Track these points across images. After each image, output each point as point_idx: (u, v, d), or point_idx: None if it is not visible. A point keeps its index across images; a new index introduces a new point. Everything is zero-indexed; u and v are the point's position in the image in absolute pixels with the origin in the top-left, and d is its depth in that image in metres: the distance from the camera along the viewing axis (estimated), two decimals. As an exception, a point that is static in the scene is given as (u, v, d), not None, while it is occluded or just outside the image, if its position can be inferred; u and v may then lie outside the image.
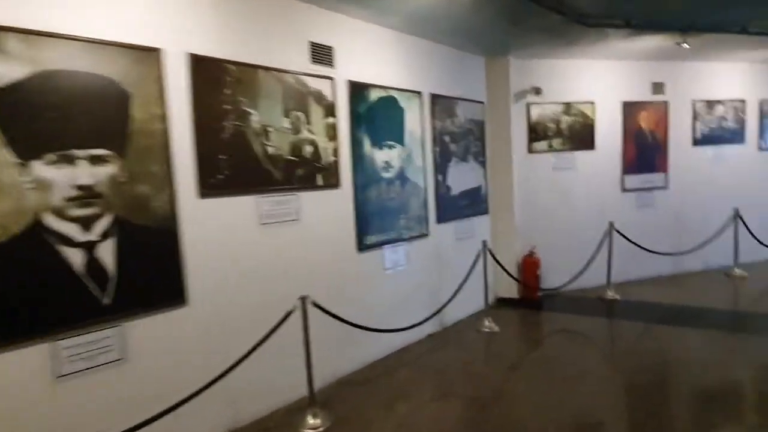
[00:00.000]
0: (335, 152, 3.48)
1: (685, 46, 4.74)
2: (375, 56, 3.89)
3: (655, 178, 5.94)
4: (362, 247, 3.73)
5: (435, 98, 4.46)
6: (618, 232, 5.38)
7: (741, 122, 6.32)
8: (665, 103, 5.92)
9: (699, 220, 6.18)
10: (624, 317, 4.80)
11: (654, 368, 3.53)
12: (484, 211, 5.22)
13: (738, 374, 3.41)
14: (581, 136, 5.59)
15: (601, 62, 5.65)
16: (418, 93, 4.27)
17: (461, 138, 4.83)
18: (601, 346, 4.28)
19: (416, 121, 4.25)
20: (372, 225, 3.80)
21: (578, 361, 3.79)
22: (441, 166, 4.57)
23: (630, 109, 5.77)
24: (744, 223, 5.97)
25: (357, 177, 3.66)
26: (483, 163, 5.14)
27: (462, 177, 4.84)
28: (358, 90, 3.65)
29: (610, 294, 5.30)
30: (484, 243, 4.57)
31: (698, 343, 3.98)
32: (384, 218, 3.92)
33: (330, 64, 3.47)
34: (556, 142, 5.52)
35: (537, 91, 5.17)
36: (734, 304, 5.17)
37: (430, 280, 4.45)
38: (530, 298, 5.18)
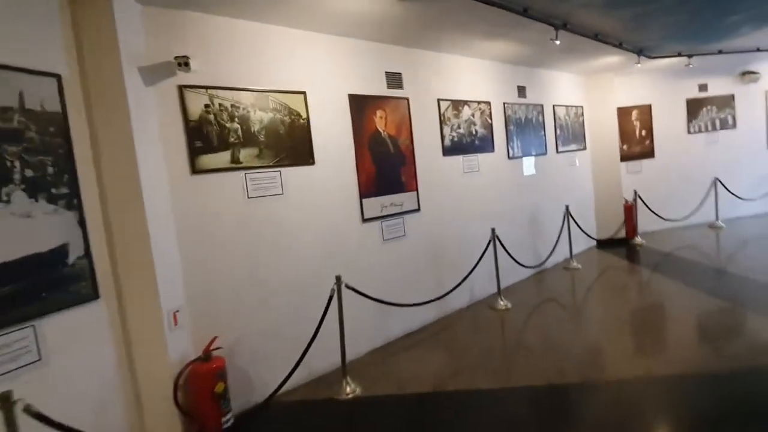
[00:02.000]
0: None
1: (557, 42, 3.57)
2: None
3: (404, 199, 4.42)
4: None
5: None
6: (352, 289, 3.48)
7: (489, 127, 5.47)
8: (406, 101, 4.52)
9: (459, 247, 4.93)
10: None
11: None
12: (71, 301, 2.50)
13: None
14: (290, 143, 3.49)
15: (312, 34, 3.70)
16: None
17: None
18: None
19: None
20: None
21: None
22: None
23: (360, 105, 4.00)
24: (503, 246, 5.02)
25: None
26: (72, 204, 2.50)
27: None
28: None
29: (349, 390, 3.33)
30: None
31: None
32: None
33: None
34: (247, 155, 3.28)
35: (183, 63, 2.78)
36: (503, 343, 3.91)
37: None
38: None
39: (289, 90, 3.52)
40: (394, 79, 4.33)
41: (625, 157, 7.88)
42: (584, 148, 7.21)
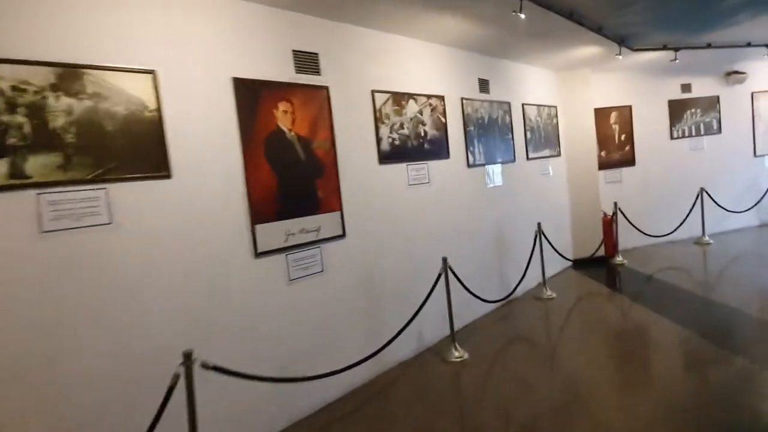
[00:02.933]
0: None
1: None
2: None
3: (321, 222, 3.25)
4: None
5: None
6: (222, 371, 2.23)
7: (443, 128, 4.42)
8: (325, 91, 3.35)
9: (403, 281, 3.78)
10: None
11: None
12: None
13: None
14: (126, 147, 2.31)
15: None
16: None
17: None
18: None
19: None
20: None
21: None
22: None
23: (253, 93, 2.84)
24: (457, 278, 3.85)
25: None
26: None
27: None
28: None
29: None
30: None
31: None
32: None
33: None
34: (41, 165, 2.05)
35: None
36: (451, 419, 2.91)
37: None
38: None
39: (125, 67, 2.32)
40: (308, 62, 3.20)
41: (603, 165, 6.96)
42: (558, 155, 6.25)
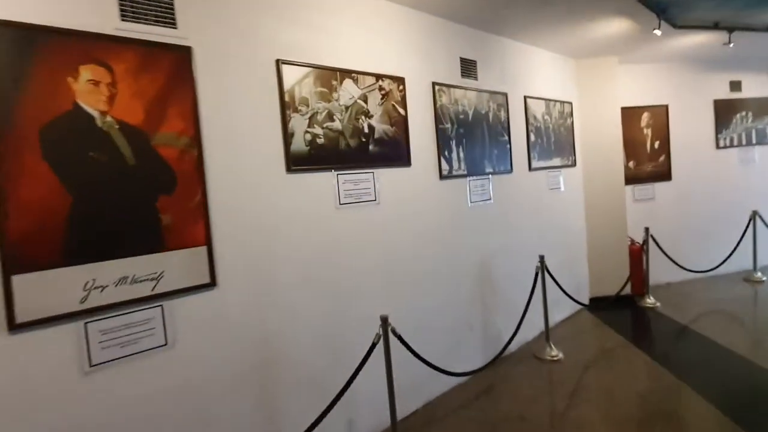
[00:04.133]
0: None
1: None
2: None
3: (162, 264, 1.92)
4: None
5: None
6: None
7: (400, 124, 3.06)
8: (182, 53, 1.97)
9: (326, 354, 2.48)
10: None
11: None
12: None
13: None
14: None
15: None
16: None
17: None
18: None
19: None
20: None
21: None
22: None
23: (17, 45, 1.59)
24: (405, 344, 2.50)
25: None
26: None
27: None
28: None
29: None
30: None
31: None
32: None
33: None
34: None
35: None
36: None
37: None
38: None
39: None
40: (151, 3, 2.01)
41: (632, 179, 5.52)
42: (573, 165, 4.86)
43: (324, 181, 2.55)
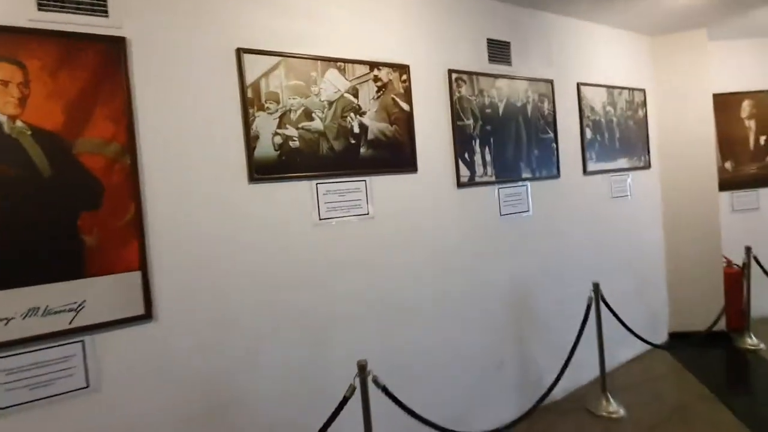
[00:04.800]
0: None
1: None
2: None
3: (84, 292, 1.60)
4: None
5: None
6: None
7: (404, 122, 2.49)
8: (115, 45, 1.67)
9: (296, 408, 2.04)
10: None
11: None
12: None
13: None
14: None
15: None
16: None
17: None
18: None
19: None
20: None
21: None
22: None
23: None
24: (398, 401, 1.96)
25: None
26: None
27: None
28: None
29: None
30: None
31: None
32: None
33: None
34: None
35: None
36: None
37: None
38: None
39: None
40: None
41: (728, 184, 4.39)
42: (646, 166, 3.90)
43: (299, 192, 2.12)
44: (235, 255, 1.96)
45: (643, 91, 3.90)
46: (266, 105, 2.02)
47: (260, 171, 2.00)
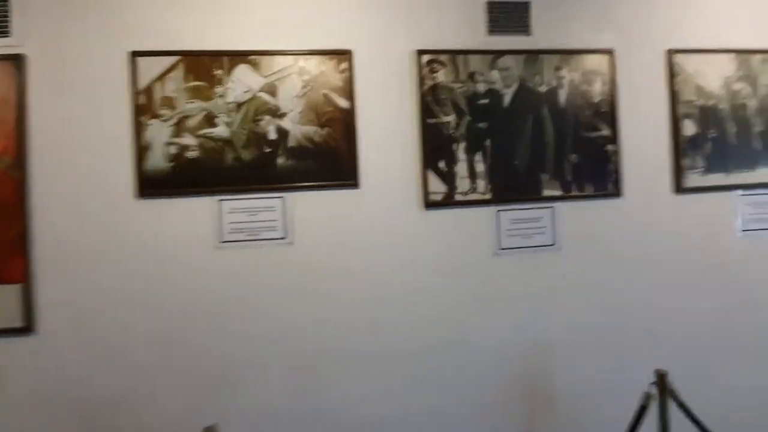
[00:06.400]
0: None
1: None
2: None
3: None
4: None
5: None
6: None
7: (340, 123, 1.90)
8: (7, 61, 1.69)
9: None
10: None
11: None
12: None
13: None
14: None
15: None
16: None
17: None
18: None
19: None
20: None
21: None
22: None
23: None
24: None
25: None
26: None
27: None
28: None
29: None
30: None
31: None
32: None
33: None
34: None
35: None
36: None
37: None
38: None
39: None
40: None
41: None
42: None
43: (197, 210, 1.85)
44: (122, 278, 1.82)
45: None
46: (160, 112, 1.81)
47: (150, 186, 1.81)
